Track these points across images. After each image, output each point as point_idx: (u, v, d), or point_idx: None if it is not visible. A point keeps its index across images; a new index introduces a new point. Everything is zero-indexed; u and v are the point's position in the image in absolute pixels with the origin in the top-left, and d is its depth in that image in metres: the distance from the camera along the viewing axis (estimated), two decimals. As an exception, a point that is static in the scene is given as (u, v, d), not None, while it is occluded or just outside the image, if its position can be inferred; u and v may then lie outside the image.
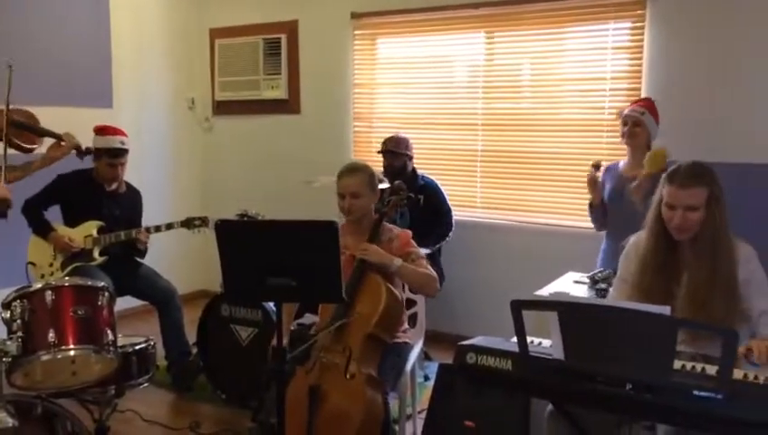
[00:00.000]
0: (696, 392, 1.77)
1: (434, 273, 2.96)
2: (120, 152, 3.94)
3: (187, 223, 3.99)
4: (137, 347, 3.08)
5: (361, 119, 5.38)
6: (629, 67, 4.33)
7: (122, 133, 4.00)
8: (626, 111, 3.59)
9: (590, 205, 3.66)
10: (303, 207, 5.13)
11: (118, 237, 3.91)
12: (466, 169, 4.95)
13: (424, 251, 3.17)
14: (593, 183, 3.58)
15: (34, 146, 3.71)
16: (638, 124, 3.50)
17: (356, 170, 3.02)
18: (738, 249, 2.37)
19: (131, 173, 4.18)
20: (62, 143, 3.76)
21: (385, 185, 3.53)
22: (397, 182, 3.22)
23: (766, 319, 2.32)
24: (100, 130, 3.97)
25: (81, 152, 3.88)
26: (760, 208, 3.83)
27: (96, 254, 3.92)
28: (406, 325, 3.14)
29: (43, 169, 3.76)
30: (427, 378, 4.10)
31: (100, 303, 2.72)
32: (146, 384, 3.15)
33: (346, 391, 2.61)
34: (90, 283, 2.81)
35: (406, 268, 2.88)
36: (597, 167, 3.59)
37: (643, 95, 4.20)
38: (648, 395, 1.78)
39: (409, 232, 3.06)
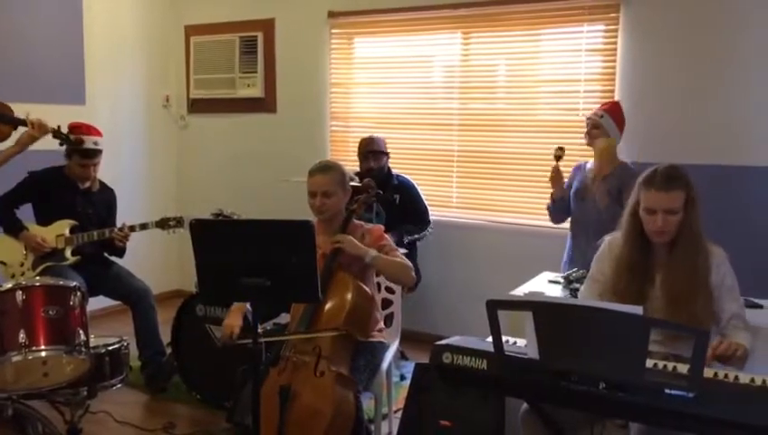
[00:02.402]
0: (667, 391, 1.79)
1: (408, 262, 2.98)
2: (93, 153, 3.88)
3: (162, 223, 3.94)
4: (110, 347, 3.03)
5: (338, 118, 5.37)
6: (603, 69, 4.38)
7: (97, 133, 3.93)
8: (589, 114, 3.71)
9: (552, 198, 3.77)
10: (279, 207, 5.10)
11: (90, 237, 3.86)
12: (442, 169, 4.97)
13: (401, 251, 3.17)
14: (557, 176, 3.70)
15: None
16: (596, 127, 3.63)
17: (328, 169, 3.01)
18: (710, 252, 2.41)
19: (105, 171, 4.13)
20: (31, 130, 3.65)
21: (354, 183, 3.53)
22: (366, 180, 3.22)
23: (735, 322, 2.37)
24: (74, 129, 3.90)
25: (61, 136, 3.78)
26: (731, 210, 3.89)
27: (68, 253, 3.86)
28: (381, 325, 3.15)
29: (16, 155, 3.69)
30: (403, 377, 4.10)
31: (71, 303, 2.69)
32: (119, 385, 3.11)
33: (316, 390, 2.61)
34: (61, 282, 2.78)
35: (380, 259, 2.89)
36: (558, 157, 3.68)
37: (616, 97, 4.26)
38: (620, 394, 1.80)
39: (381, 226, 3.07)
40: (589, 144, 3.70)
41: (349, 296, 2.79)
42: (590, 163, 3.73)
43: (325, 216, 3.00)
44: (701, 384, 1.78)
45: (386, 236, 3.04)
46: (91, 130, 3.92)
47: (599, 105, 3.87)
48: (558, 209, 3.77)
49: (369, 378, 2.89)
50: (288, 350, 2.77)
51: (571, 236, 3.76)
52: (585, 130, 3.70)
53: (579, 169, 3.79)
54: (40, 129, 3.65)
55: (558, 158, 3.68)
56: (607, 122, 3.62)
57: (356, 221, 3.06)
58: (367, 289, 2.90)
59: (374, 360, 2.97)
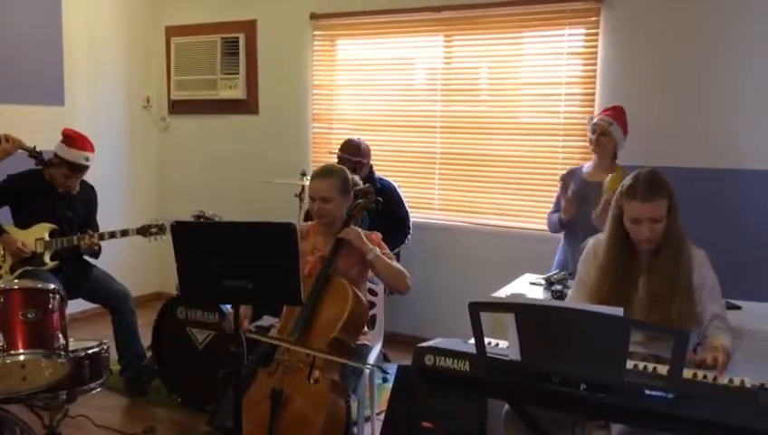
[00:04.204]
0: (647, 392, 1.81)
1: (405, 270, 2.99)
2: (82, 169, 3.85)
3: (144, 230, 3.88)
4: (89, 351, 3.01)
5: (320, 120, 5.36)
6: (584, 72, 4.41)
7: (90, 148, 3.86)
8: (595, 119, 3.67)
9: (564, 217, 3.66)
10: (261, 209, 5.09)
11: (70, 242, 3.80)
12: (425, 172, 4.98)
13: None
14: (573, 201, 3.58)
15: None
16: (605, 134, 3.60)
17: (328, 175, 2.99)
18: (692, 254, 2.43)
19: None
20: (5, 144, 3.56)
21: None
22: (366, 186, 3.20)
23: (717, 323, 2.39)
24: (69, 140, 3.81)
25: (36, 157, 3.74)
26: (710, 213, 3.94)
27: (47, 258, 3.80)
28: (365, 328, 3.14)
29: None
30: (385, 380, 4.10)
31: (50, 306, 2.67)
32: (99, 389, 3.08)
33: (309, 397, 2.59)
34: (40, 285, 2.75)
35: (381, 259, 2.89)
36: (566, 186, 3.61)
37: (597, 100, 4.31)
38: (601, 395, 1.81)
39: (379, 234, 3.06)
40: (594, 151, 3.67)
41: (346, 305, 2.77)
42: (587, 166, 3.73)
43: (324, 220, 2.99)
44: (680, 385, 1.80)
45: (384, 244, 3.04)
46: (85, 145, 3.85)
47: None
48: (565, 224, 3.70)
49: (355, 381, 2.88)
50: (282, 353, 2.75)
51: (566, 240, 3.74)
52: (591, 135, 3.65)
53: (573, 172, 3.76)
54: (14, 144, 3.58)
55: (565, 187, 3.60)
56: (615, 130, 3.59)
57: (353, 226, 3.05)
58: (362, 296, 2.90)
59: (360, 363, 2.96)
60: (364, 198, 3.09)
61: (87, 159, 3.84)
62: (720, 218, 3.97)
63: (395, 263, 2.97)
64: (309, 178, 3.22)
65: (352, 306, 2.77)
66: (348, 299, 2.78)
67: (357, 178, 3.14)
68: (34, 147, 3.73)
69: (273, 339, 2.75)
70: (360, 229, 2.99)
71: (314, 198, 2.97)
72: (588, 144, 3.76)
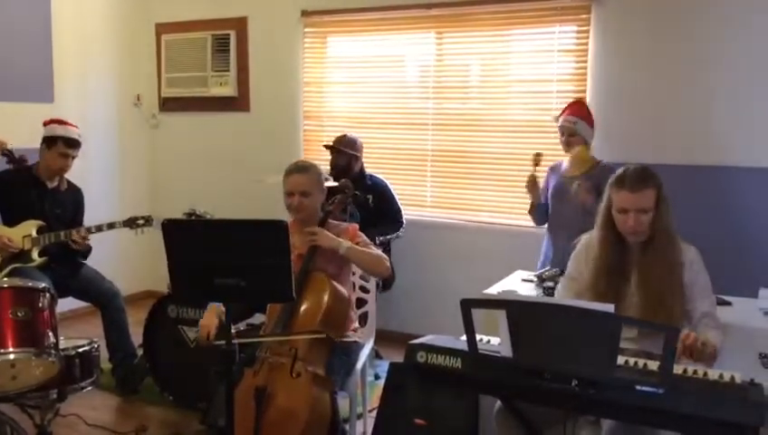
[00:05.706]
0: (638, 387, 1.82)
1: (382, 253, 3.00)
2: (77, 143, 3.87)
3: (130, 222, 3.89)
4: (80, 350, 2.99)
5: (311, 117, 5.36)
6: (575, 70, 4.42)
7: (77, 128, 3.94)
8: (560, 121, 3.75)
9: (531, 206, 3.83)
10: (253, 206, 5.08)
11: (57, 237, 3.78)
12: (417, 169, 4.98)
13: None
14: (533, 184, 3.74)
15: None
16: (573, 134, 3.69)
17: (306, 169, 3.01)
18: (683, 251, 2.44)
19: (75, 170, 4.06)
20: None
21: (330, 183, 3.52)
22: (342, 181, 3.22)
23: (707, 321, 2.40)
24: (56, 121, 3.91)
25: (8, 155, 3.74)
26: (701, 210, 3.96)
27: (35, 254, 3.79)
28: (356, 324, 3.15)
29: None
30: (377, 377, 4.11)
31: (40, 304, 2.65)
32: (90, 388, 3.06)
33: (291, 391, 2.60)
34: (30, 284, 2.73)
35: (354, 249, 2.90)
36: (537, 163, 3.75)
37: (588, 98, 4.31)
38: (592, 390, 1.82)
39: (356, 225, 3.07)
40: (567, 151, 3.74)
41: (325, 298, 2.79)
42: (566, 163, 3.76)
43: (302, 215, 2.99)
44: (671, 380, 1.81)
45: (360, 233, 3.04)
46: (70, 123, 3.93)
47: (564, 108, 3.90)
48: (540, 213, 3.83)
49: (344, 378, 2.89)
50: (263, 351, 2.76)
51: (549, 236, 3.78)
52: (560, 138, 3.73)
53: (554, 169, 3.83)
54: None
55: (536, 163, 3.73)
56: (581, 126, 3.67)
57: (332, 221, 3.06)
58: (343, 290, 2.90)
59: (349, 360, 2.97)
60: (341, 194, 3.10)
61: (79, 136, 3.90)
62: (711, 216, 3.99)
63: (371, 249, 2.97)
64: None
65: (330, 300, 2.79)
66: (326, 293, 2.80)
67: (326, 174, 3.16)
68: (6, 146, 3.76)
69: (258, 338, 2.75)
70: (337, 223, 3.01)
71: (293, 193, 2.96)
72: (560, 144, 3.81)
